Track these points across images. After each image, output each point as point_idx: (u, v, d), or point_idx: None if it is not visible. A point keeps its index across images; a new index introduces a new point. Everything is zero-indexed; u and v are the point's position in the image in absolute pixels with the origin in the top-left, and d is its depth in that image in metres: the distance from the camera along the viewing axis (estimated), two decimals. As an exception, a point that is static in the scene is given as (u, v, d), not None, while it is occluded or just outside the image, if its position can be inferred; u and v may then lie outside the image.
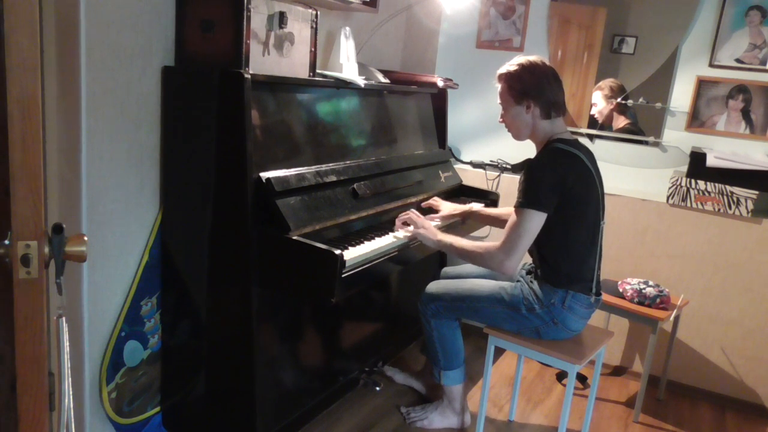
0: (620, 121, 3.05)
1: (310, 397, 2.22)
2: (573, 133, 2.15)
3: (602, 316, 2.84)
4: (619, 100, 3.00)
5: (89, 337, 1.81)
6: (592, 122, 3.10)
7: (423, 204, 2.50)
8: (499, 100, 2.07)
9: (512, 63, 2.03)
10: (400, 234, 2.14)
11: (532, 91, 1.98)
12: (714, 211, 2.67)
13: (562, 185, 1.92)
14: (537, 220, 1.92)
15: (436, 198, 2.54)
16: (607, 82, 3.05)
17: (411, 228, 2.14)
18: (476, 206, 2.50)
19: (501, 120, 2.10)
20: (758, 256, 2.64)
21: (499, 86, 2.06)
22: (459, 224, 2.52)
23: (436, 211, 2.47)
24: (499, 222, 2.39)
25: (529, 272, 2.17)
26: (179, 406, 2.08)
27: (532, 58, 2.03)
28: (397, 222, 2.22)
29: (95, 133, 1.70)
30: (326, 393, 2.30)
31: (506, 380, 2.81)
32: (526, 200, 1.92)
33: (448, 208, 2.47)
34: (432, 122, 2.89)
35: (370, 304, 2.60)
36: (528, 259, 2.21)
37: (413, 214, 2.21)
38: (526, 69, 2.00)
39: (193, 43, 1.86)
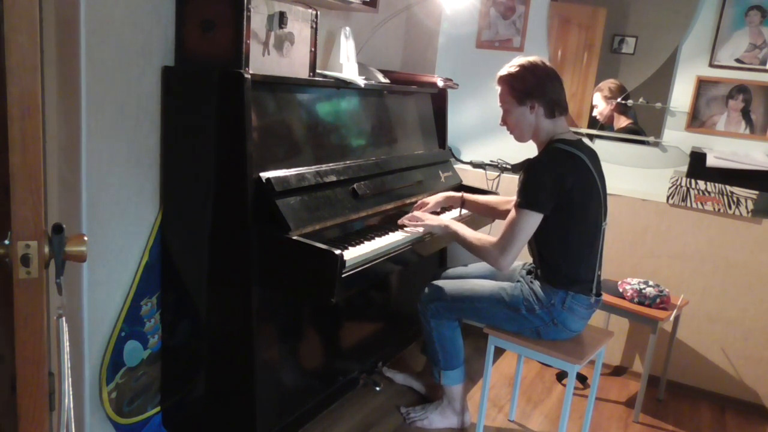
0: (622, 121, 3.05)
1: (310, 396, 2.22)
2: (574, 133, 2.15)
3: (602, 316, 2.84)
4: (618, 100, 3.00)
5: (89, 337, 1.81)
6: (593, 123, 3.10)
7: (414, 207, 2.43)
8: (499, 103, 2.06)
9: (512, 64, 2.02)
10: (409, 230, 2.17)
11: (536, 90, 1.98)
12: (714, 211, 2.67)
13: (560, 186, 1.91)
14: (533, 220, 1.93)
15: (422, 200, 2.44)
16: (606, 83, 3.05)
17: (419, 226, 2.18)
18: (466, 195, 2.47)
19: (502, 123, 2.09)
20: (758, 256, 2.64)
21: (499, 89, 2.05)
22: (469, 219, 2.51)
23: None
24: (497, 213, 2.39)
25: (529, 272, 2.17)
26: (179, 406, 2.08)
27: (532, 58, 2.02)
28: (405, 223, 2.22)
29: (95, 133, 1.70)
30: (326, 393, 2.30)
31: (506, 380, 2.81)
32: (523, 200, 1.93)
33: (433, 199, 2.41)
34: (432, 122, 2.89)
35: (370, 304, 2.60)
36: (529, 259, 2.21)
37: (418, 213, 2.25)
38: (527, 69, 1.99)
39: (193, 43, 1.86)
